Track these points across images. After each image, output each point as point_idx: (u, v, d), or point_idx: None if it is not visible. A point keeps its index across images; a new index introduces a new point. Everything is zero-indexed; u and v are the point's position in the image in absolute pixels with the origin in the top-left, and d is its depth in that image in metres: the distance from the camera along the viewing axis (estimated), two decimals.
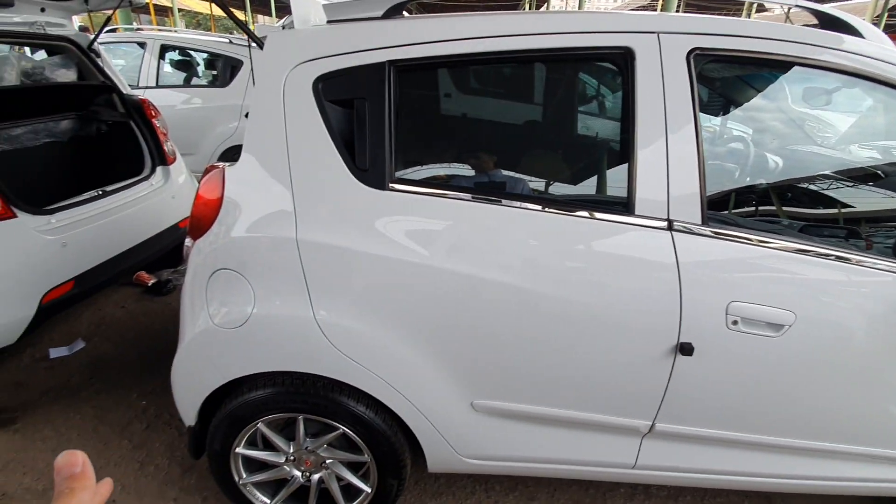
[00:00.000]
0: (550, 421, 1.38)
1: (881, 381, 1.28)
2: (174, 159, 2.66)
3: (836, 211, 1.57)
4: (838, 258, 1.21)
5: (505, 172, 1.35)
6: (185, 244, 1.41)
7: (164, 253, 2.54)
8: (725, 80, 2.11)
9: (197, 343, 1.32)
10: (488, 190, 1.28)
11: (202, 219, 1.28)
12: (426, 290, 1.23)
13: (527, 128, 1.43)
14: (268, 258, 1.23)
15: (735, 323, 1.19)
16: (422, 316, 1.25)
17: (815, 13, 1.39)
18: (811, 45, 1.20)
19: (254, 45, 1.79)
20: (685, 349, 1.21)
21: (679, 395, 1.29)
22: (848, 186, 1.64)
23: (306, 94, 1.20)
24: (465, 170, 1.36)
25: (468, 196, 1.23)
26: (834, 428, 1.35)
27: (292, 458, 1.45)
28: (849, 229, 1.52)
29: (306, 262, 1.21)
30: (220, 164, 1.32)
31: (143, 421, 2.05)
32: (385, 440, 1.37)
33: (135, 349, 2.52)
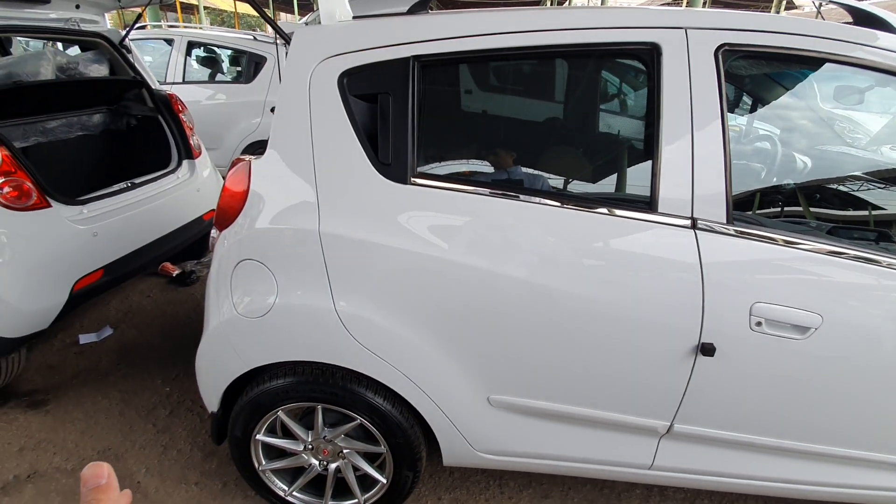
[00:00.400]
0: (566, 418, 1.37)
1: None
2: (200, 153, 2.72)
3: (866, 213, 1.53)
4: (868, 260, 1.18)
5: (525, 169, 1.35)
6: (212, 235, 1.44)
7: (189, 244, 2.60)
8: (754, 78, 2.07)
9: (221, 331, 1.36)
10: (509, 185, 1.28)
11: (228, 210, 1.31)
12: (445, 284, 1.24)
13: (549, 125, 1.43)
14: (291, 250, 1.25)
15: (759, 324, 1.17)
16: (441, 310, 1.26)
17: (850, 9, 1.36)
18: (845, 41, 1.16)
19: (280, 41, 1.83)
20: (706, 350, 1.20)
21: (699, 396, 1.27)
22: (880, 188, 1.59)
23: (331, 89, 1.22)
24: (486, 166, 1.37)
25: (488, 191, 1.23)
26: (862, 434, 1.32)
27: (310, 446, 1.48)
28: (880, 232, 1.47)
29: (328, 255, 1.23)
30: (247, 157, 1.35)
31: (166, 406, 2.11)
32: (401, 432, 1.38)
33: (159, 337, 2.59)
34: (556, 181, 1.36)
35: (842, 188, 1.59)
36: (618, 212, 1.20)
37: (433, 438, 1.42)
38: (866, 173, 1.69)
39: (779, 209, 1.48)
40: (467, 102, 1.39)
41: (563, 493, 1.74)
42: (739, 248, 1.17)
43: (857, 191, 1.58)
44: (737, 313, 1.18)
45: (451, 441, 1.41)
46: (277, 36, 1.91)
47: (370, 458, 1.50)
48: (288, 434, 1.49)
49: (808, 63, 1.26)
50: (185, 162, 2.63)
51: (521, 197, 1.22)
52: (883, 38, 1.18)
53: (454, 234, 1.23)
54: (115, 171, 2.61)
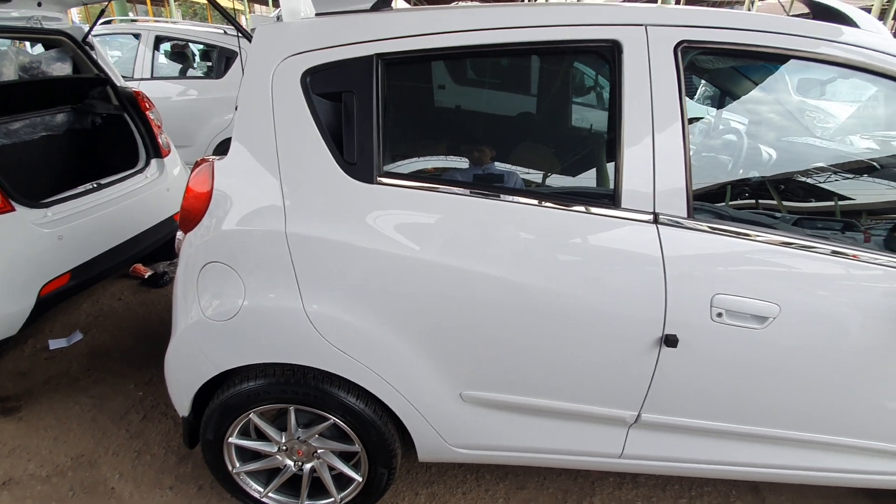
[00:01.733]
0: (538, 411, 1.39)
1: (868, 373, 1.29)
2: (169, 152, 2.67)
3: (830, 203, 1.57)
4: (824, 251, 1.22)
5: (494, 166, 1.36)
6: (177, 237, 1.42)
7: (160, 245, 2.56)
8: (719, 72, 2.11)
9: (189, 335, 1.34)
10: (474, 184, 1.29)
11: (192, 212, 1.29)
12: (415, 282, 1.24)
13: (513, 121, 1.44)
14: (258, 251, 1.24)
15: (719, 315, 1.21)
16: (411, 308, 1.26)
17: (808, 3, 1.38)
18: (807, 37, 1.19)
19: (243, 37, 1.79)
20: (670, 341, 1.23)
21: (664, 385, 1.30)
22: (845, 179, 1.64)
23: (294, 88, 1.20)
24: (453, 163, 1.37)
25: (454, 189, 1.23)
26: (820, 419, 1.37)
27: (284, 447, 1.48)
28: (844, 222, 1.52)
29: (296, 255, 1.22)
30: (211, 158, 1.33)
31: (139, 411, 2.08)
32: (375, 430, 1.39)
33: (132, 340, 2.55)
34: (524, 178, 1.37)
35: (806, 179, 1.63)
36: (584, 208, 1.22)
37: (408, 435, 1.43)
38: (832, 164, 1.74)
39: (743, 202, 1.52)
40: (432, 100, 1.39)
41: (538, 484, 1.77)
42: (700, 242, 1.20)
43: (824, 182, 1.62)
44: (698, 305, 1.21)
45: (425, 437, 1.42)
46: (238, 32, 1.86)
47: (345, 456, 1.51)
48: (261, 436, 1.48)
49: (771, 58, 1.28)
50: (153, 161, 2.58)
51: (489, 195, 1.22)
52: (846, 32, 1.20)
53: (420, 232, 1.23)
54: (81, 172, 2.55)
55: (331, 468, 1.51)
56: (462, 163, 1.41)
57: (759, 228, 1.24)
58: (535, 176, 1.38)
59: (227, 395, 1.37)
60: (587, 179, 1.38)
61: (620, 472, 1.74)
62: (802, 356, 1.27)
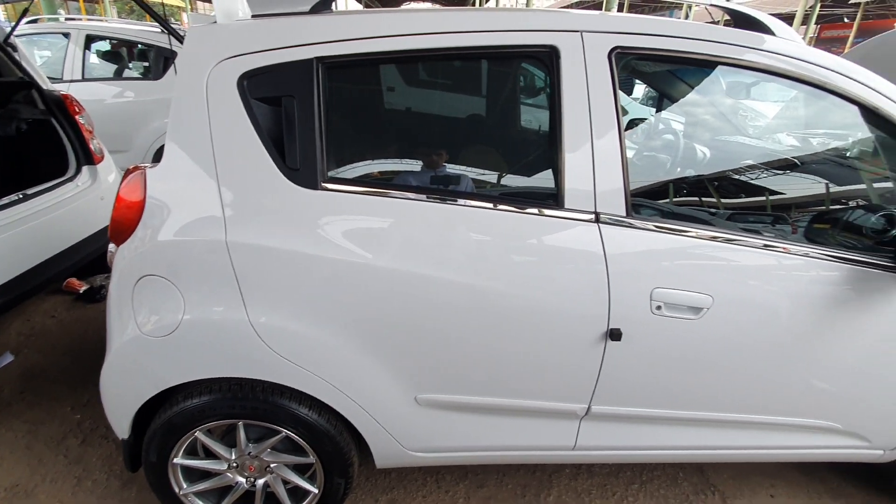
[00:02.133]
0: (493, 410, 1.41)
1: (795, 355, 1.38)
2: (101, 158, 2.51)
3: (762, 199, 1.68)
4: (754, 244, 1.30)
5: (445, 169, 1.37)
6: (109, 250, 1.34)
7: (96, 257, 2.40)
8: (656, 75, 2.21)
9: (125, 352, 1.27)
10: (425, 188, 1.29)
11: (124, 222, 1.22)
12: (366, 289, 1.23)
13: (458, 125, 1.45)
14: (197, 262, 1.19)
15: (659, 308, 1.26)
16: (363, 315, 1.25)
17: (730, 12, 1.47)
18: (732, 44, 1.26)
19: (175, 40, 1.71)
20: (614, 335, 1.27)
21: (611, 378, 1.35)
22: (775, 175, 1.75)
23: (231, 92, 1.16)
24: (403, 167, 1.37)
25: (405, 194, 1.23)
26: (755, 401, 1.46)
27: (235, 464, 1.43)
28: (774, 216, 1.62)
29: (238, 265, 1.18)
30: (143, 165, 1.26)
31: (78, 435, 1.95)
32: (330, 440, 1.36)
33: (67, 360, 2.38)
34: (474, 181, 1.38)
35: (739, 177, 1.73)
36: (529, 209, 1.24)
37: (365, 443, 1.41)
38: (760, 161, 1.85)
39: (678, 199, 1.60)
40: (378, 104, 1.38)
41: (497, 481, 1.79)
42: (639, 239, 1.25)
43: (756, 179, 1.73)
44: (639, 299, 1.26)
45: (381, 443, 1.41)
46: (169, 35, 1.78)
47: (300, 469, 1.47)
48: (210, 454, 1.42)
49: (699, 64, 1.35)
50: (84, 168, 2.42)
51: (434, 198, 1.23)
52: (769, 41, 1.29)
53: (367, 237, 1.22)
54: (5, 182, 2.36)
55: (285, 482, 1.47)
56: (411, 166, 1.40)
57: (694, 224, 1.31)
58: (485, 178, 1.40)
59: (170, 413, 1.30)
60: (533, 181, 1.41)
61: (576, 463, 1.79)
62: (736, 343, 1.35)
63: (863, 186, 1.67)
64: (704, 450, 1.55)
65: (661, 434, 1.51)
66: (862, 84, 1.28)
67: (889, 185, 1.53)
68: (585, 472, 1.85)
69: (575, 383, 1.36)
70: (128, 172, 1.28)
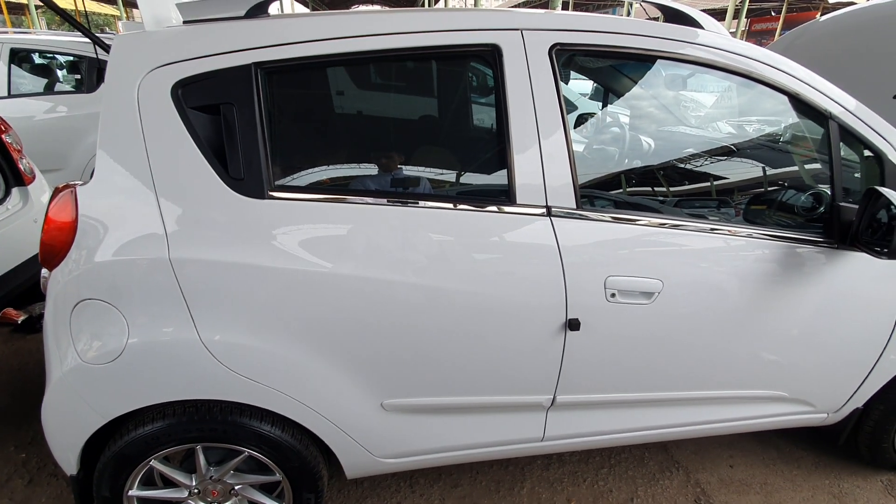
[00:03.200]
0: (461, 409, 1.41)
1: (743, 330, 1.45)
2: (33, 178, 2.35)
3: (706, 185, 1.75)
4: (698, 228, 1.35)
5: (398, 171, 1.35)
6: (42, 275, 1.25)
7: (32, 284, 2.24)
8: (600, 71, 2.27)
9: (67, 383, 1.19)
10: (376, 191, 1.28)
11: (56, 245, 1.15)
12: (322, 298, 1.20)
13: (409, 127, 1.45)
14: (139, 282, 1.13)
15: (613, 295, 1.30)
16: (321, 325, 1.22)
17: (660, 7, 1.53)
18: (665, 38, 1.31)
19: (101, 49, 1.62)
20: (573, 325, 1.30)
21: (574, 367, 1.38)
22: (716, 161, 1.83)
23: (165, 102, 1.11)
24: (350, 171, 1.35)
25: (355, 198, 1.21)
26: (710, 377, 1.52)
27: (196, 490, 1.36)
28: (719, 200, 1.70)
29: (184, 282, 1.13)
30: (73, 183, 1.19)
31: (24, 475, 1.82)
32: (296, 456, 1.32)
33: (6, 396, 2.21)
34: (427, 182, 1.38)
35: (684, 165, 1.81)
36: (481, 206, 1.25)
37: (333, 454, 1.38)
38: (705, 149, 1.94)
39: (630, 189, 1.65)
40: (321, 109, 1.35)
41: (471, 479, 1.80)
42: (590, 229, 1.28)
43: (700, 166, 1.81)
44: (594, 288, 1.29)
45: (350, 454, 1.38)
46: (94, 43, 1.68)
47: (266, 488, 1.42)
48: (169, 482, 1.36)
49: (639, 59, 1.40)
50: (14, 190, 2.26)
51: (386, 201, 1.22)
52: (702, 35, 1.34)
53: (320, 245, 1.19)
54: None
55: (252, 503, 1.42)
56: (365, 170, 1.38)
57: (642, 213, 1.35)
58: (440, 178, 1.40)
59: (121, 444, 1.23)
60: (486, 179, 1.42)
61: (546, 454, 1.82)
62: (688, 323, 1.41)
63: (795, 168, 1.77)
64: (667, 428, 1.61)
65: (625, 417, 1.55)
66: (784, 72, 1.36)
67: (817, 166, 1.64)
68: (556, 461, 1.88)
69: (539, 375, 1.38)
70: (57, 191, 1.20)
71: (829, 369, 1.58)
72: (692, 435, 1.68)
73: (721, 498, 1.76)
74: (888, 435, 1.74)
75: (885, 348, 1.55)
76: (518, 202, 1.24)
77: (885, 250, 1.27)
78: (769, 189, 1.72)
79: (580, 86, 5.40)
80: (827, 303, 1.46)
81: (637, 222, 1.32)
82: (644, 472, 1.85)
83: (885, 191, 1.28)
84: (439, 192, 1.36)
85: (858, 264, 1.42)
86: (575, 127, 2.54)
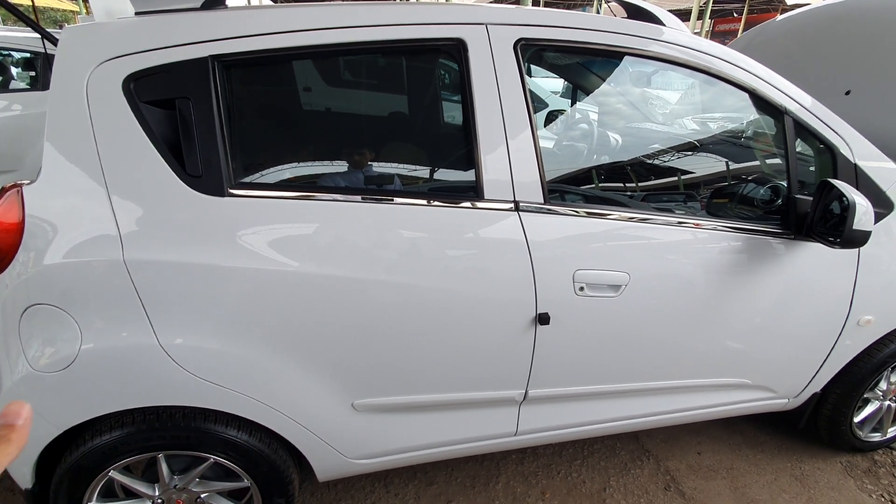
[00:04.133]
0: (434, 406, 1.41)
1: (707, 320, 1.49)
2: None
3: (673, 179, 1.79)
4: (664, 222, 1.38)
5: (368, 168, 1.33)
6: None
7: None
8: (568, 67, 2.29)
9: (17, 394, 1.12)
10: (345, 188, 1.26)
11: (2, 248, 1.08)
12: (288, 298, 1.17)
13: (377, 123, 1.43)
14: (92, 285, 1.08)
15: (581, 289, 1.31)
16: (287, 326, 1.19)
17: (623, 4, 1.55)
18: (629, 35, 1.32)
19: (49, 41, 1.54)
20: (543, 319, 1.31)
21: (544, 361, 1.39)
22: (683, 156, 1.87)
23: (116, 96, 1.06)
24: (317, 168, 1.32)
25: (323, 195, 1.19)
26: (677, 366, 1.56)
27: (160, 500, 1.31)
28: (685, 194, 1.74)
29: (140, 285, 1.08)
30: (20, 182, 1.13)
31: None
32: (264, 460, 1.29)
33: None
34: (389, 179, 1.36)
35: (651, 161, 1.84)
36: (451, 202, 1.24)
37: (304, 457, 1.35)
38: (671, 145, 1.98)
39: (592, 184, 1.67)
40: (283, 103, 1.32)
41: (447, 476, 1.79)
42: (557, 224, 1.29)
43: (668, 161, 1.84)
44: (563, 282, 1.30)
45: (321, 456, 1.35)
46: (42, 35, 1.60)
47: (235, 495, 1.39)
48: (130, 493, 1.30)
49: (605, 55, 1.41)
50: None
51: (352, 198, 1.20)
52: (666, 32, 1.36)
53: (292, 243, 1.16)
54: None
55: None
56: (333, 167, 1.36)
57: (609, 207, 1.37)
58: (409, 174, 1.38)
59: (77, 455, 1.18)
60: (455, 174, 1.42)
61: (520, 448, 1.83)
62: (655, 315, 1.43)
63: (757, 163, 1.83)
64: (637, 418, 1.64)
65: (596, 409, 1.57)
66: (743, 69, 1.40)
67: (777, 160, 1.69)
68: (531, 455, 1.89)
69: (511, 370, 1.39)
70: (3, 191, 1.13)
71: (788, 356, 1.63)
72: (662, 424, 1.71)
73: (690, 484, 1.80)
74: (845, 417, 1.82)
75: (840, 334, 1.61)
76: (486, 198, 1.24)
77: (838, 240, 1.31)
78: (732, 183, 1.77)
79: (551, 84, 5.47)
80: (786, 292, 1.51)
81: (605, 216, 1.33)
82: (616, 462, 1.89)
83: (837, 183, 1.33)
84: (413, 189, 1.35)
85: (814, 254, 1.48)
86: (545, 124, 2.56)
